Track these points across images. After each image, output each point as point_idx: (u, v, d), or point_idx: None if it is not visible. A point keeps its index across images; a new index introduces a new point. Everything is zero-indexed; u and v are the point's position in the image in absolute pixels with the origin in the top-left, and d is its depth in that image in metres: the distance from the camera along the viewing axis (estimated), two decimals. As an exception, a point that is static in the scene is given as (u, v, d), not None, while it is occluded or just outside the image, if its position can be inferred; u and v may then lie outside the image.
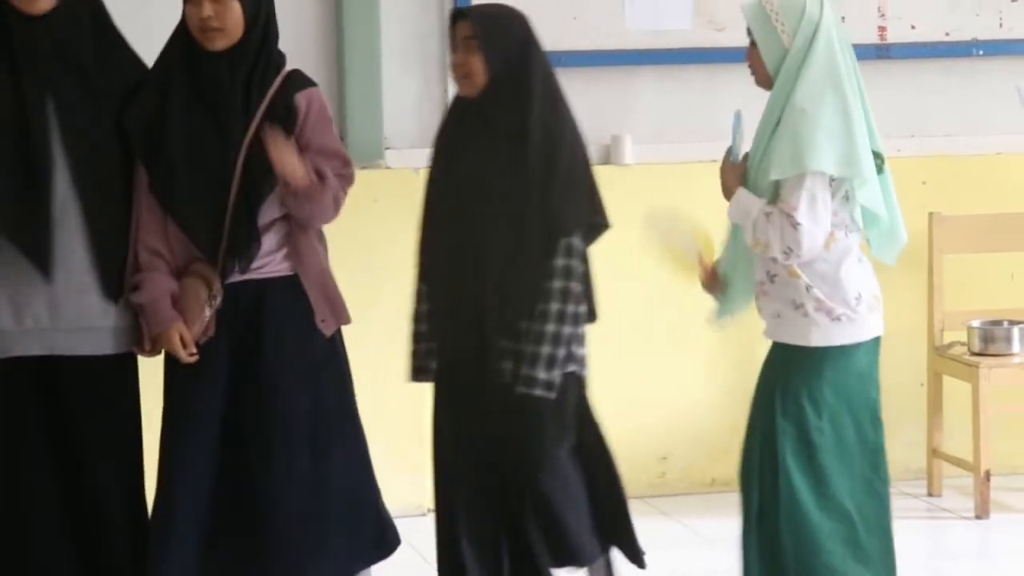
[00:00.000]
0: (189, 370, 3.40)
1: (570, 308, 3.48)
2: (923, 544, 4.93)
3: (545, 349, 3.44)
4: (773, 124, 3.41)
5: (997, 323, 5.21)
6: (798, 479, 3.49)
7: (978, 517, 5.06)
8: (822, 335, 3.46)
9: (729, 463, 5.18)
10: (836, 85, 3.39)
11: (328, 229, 4.75)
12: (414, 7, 5.24)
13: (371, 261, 5.01)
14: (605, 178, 5.21)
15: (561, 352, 3.45)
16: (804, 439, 3.50)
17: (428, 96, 5.25)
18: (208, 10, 3.36)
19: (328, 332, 3.52)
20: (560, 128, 3.53)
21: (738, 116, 3.54)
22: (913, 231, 5.13)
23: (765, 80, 3.52)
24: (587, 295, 3.59)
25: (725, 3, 5.35)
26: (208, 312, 3.40)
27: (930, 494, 5.35)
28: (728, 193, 3.51)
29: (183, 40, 3.45)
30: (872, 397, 3.62)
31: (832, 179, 3.37)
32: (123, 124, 3.39)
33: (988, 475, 5.04)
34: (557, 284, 3.45)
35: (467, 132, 3.59)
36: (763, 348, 5.31)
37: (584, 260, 3.56)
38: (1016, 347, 5.14)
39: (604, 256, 5.24)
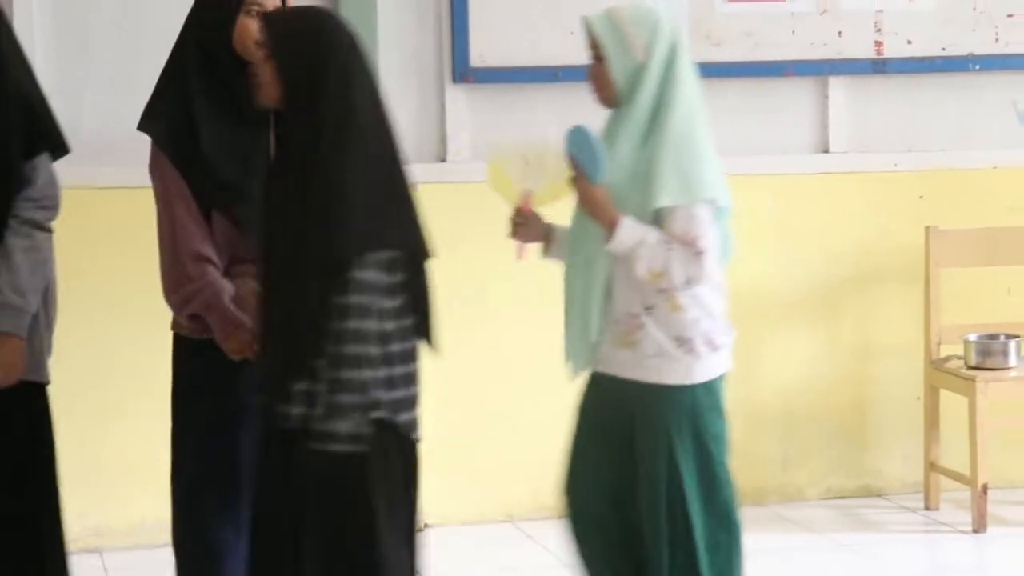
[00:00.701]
0: (234, 371, 3.38)
1: (351, 350, 3.06)
2: (921, 558, 4.97)
3: (330, 398, 3.10)
4: (638, 146, 3.25)
5: (994, 337, 5.22)
6: (712, 522, 3.38)
7: (975, 531, 5.06)
8: (705, 369, 3.34)
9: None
10: (703, 109, 3.31)
11: None
12: (411, 24, 5.26)
13: None
14: None
15: (348, 399, 3.08)
16: (706, 479, 3.37)
17: (426, 112, 5.27)
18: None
19: None
20: (351, 148, 3.14)
21: (583, 131, 3.27)
22: (910, 245, 5.35)
23: (611, 98, 3.32)
24: (400, 332, 3.16)
25: (723, 19, 5.39)
26: None
27: (927, 508, 5.35)
28: (606, 220, 3.22)
29: (201, 48, 3.49)
30: (725, 429, 3.48)
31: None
32: (155, 139, 3.42)
33: (985, 489, 5.04)
34: (337, 324, 3.07)
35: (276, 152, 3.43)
36: (760, 368, 5.44)
37: (386, 292, 3.13)
38: (1013, 361, 5.14)
39: None
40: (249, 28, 3.42)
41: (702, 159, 3.24)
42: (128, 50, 5.09)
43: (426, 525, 5.01)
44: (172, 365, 3.58)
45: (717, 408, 3.39)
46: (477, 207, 4.93)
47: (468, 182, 5.14)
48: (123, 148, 4.85)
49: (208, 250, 3.33)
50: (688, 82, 3.29)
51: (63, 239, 4.76)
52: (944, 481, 5.34)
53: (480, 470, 5.30)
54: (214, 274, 3.33)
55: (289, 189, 3.11)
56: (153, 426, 4.11)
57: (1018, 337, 5.20)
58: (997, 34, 5.61)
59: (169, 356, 3.80)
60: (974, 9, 5.57)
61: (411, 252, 3.19)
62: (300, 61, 3.14)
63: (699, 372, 3.32)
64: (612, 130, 3.28)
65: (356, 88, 3.14)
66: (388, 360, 3.13)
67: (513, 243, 3.47)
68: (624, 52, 3.28)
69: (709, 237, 3.21)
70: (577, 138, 3.26)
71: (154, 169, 3.44)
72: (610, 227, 3.21)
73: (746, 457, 5.26)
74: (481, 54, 5.26)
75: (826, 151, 5.61)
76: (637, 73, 3.26)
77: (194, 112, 3.41)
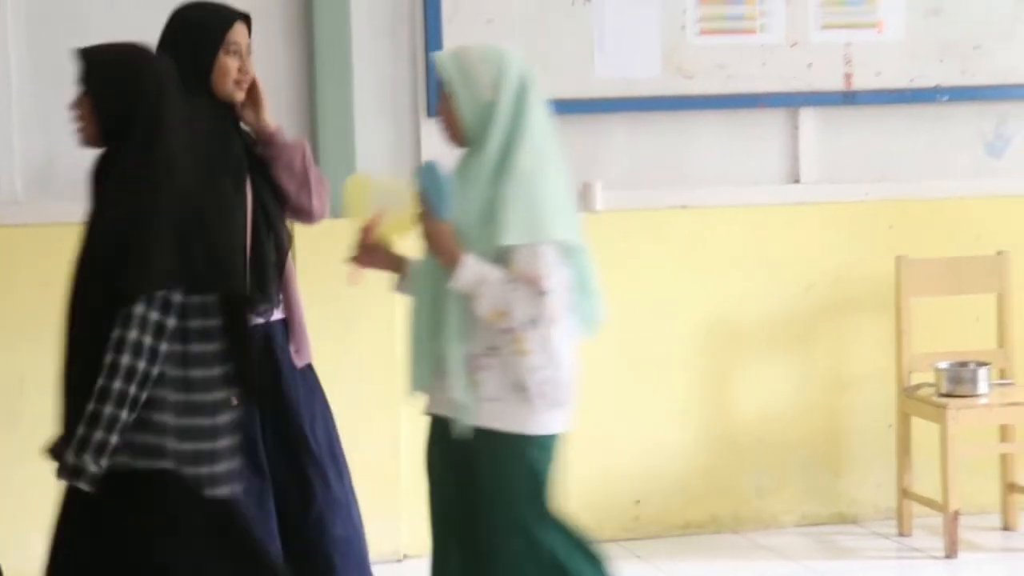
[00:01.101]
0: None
1: (116, 385, 2.93)
2: None
3: (81, 430, 2.94)
4: (487, 184, 3.20)
5: (964, 365, 5.23)
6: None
7: (948, 556, 5.08)
8: (540, 423, 3.25)
9: (701, 507, 5.43)
10: (555, 150, 3.29)
11: (303, 276, 4.74)
12: (385, 59, 5.27)
13: (343, 307, 4.98)
14: None
15: (100, 436, 2.92)
16: (523, 536, 3.31)
17: (402, 144, 5.29)
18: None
19: (301, 364, 3.67)
20: (156, 188, 3.04)
21: (432, 167, 3.24)
22: (881, 274, 5.36)
23: (460, 136, 3.28)
24: (206, 381, 3.05)
25: (694, 52, 5.42)
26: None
27: (900, 534, 5.36)
28: (448, 258, 3.17)
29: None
30: (543, 494, 3.33)
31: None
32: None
33: (957, 515, 5.05)
34: (108, 358, 2.93)
35: None
36: (734, 397, 5.44)
37: (180, 336, 3.01)
38: (982, 388, 5.15)
39: None
40: (229, 67, 3.49)
41: (550, 198, 3.20)
42: None
43: (405, 556, 5.11)
44: None
45: (543, 469, 3.28)
46: (452, 239, 5.15)
47: None
48: None
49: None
50: (538, 121, 3.26)
51: (38, 272, 4.85)
52: (916, 507, 5.34)
53: None
54: None
55: (95, 224, 3.07)
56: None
57: (987, 364, 5.22)
58: (964, 66, 5.65)
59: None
60: (940, 42, 5.62)
61: (225, 297, 3.08)
62: (113, 97, 3.08)
63: (533, 425, 3.22)
64: (463, 168, 3.25)
65: (167, 128, 3.07)
66: (189, 409, 3.00)
67: (348, 266, 3.42)
68: (472, 90, 3.24)
69: (554, 277, 3.14)
70: (427, 173, 3.23)
71: None
72: (452, 264, 3.15)
73: (721, 485, 5.48)
74: None
75: (797, 181, 5.62)
76: (485, 111, 3.23)
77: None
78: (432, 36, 5.20)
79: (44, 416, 4.31)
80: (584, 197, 5.35)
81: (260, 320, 3.57)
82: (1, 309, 4.91)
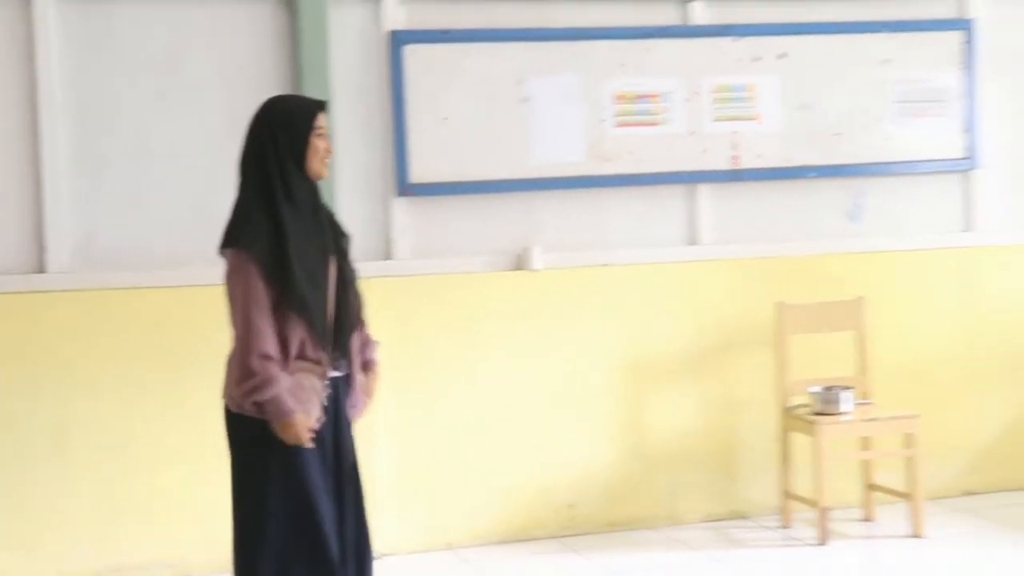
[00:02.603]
0: (308, 451, 3.36)
1: None
2: (778, 568, 4.94)
3: None
4: None
5: (831, 389, 5.29)
6: None
7: (820, 544, 5.15)
8: None
9: (623, 508, 5.52)
10: None
11: None
12: (360, 147, 5.25)
13: None
14: (519, 282, 5.44)
15: None
16: None
17: (375, 219, 5.30)
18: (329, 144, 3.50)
19: (353, 419, 3.60)
20: None
21: None
22: (764, 317, 5.52)
23: None
24: None
25: (611, 140, 5.47)
26: (323, 401, 3.41)
27: (783, 526, 5.45)
28: None
29: (279, 168, 3.37)
30: None
31: None
32: (255, 257, 3.30)
33: (827, 510, 5.15)
34: None
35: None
36: (648, 419, 5.57)
37: None
38: (847, 408, 5.24)
39: (522, 345, 5.25)
40: (318, 148, 3.42)
41: None
42: (138, 173, 5.07)
43: (382, 555, 5.02)
44: (241, 450, 3.43)
45: None
46: (417, 296, 5.29)
47: (411, 275, 5.28)
48: (133, 255, 5.06)
49: (273, 350, 3.31)
50: None
51: (82, 331, 4.95)
52: (795, 505, 5.43)
53: (425, 505, 5.29)
54: (275, 369, 3.31)
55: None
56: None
57: (850, 388, 5.31)
58: (827, 149, 5.75)
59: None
60: (808, 130, 5.73)
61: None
62: None
63: None
64: None
65: None
66: None
67: None
68: None
69: None
70: None
71: (236, 280, 3.34)
72: None
73: (640, 490, 5.55)
74: (419, 173, 5.30)
75: (696, 244, 5.68)
76: None
77: (285, 233, 3.32)
78: (399, 130, 5.27)
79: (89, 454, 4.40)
80: (525, 259, 5.41)
81: (336, 373, 3.47)
82: (50, 361, 4.92)
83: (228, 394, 3.42)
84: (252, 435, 3.36)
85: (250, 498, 3.40)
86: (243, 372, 3.31)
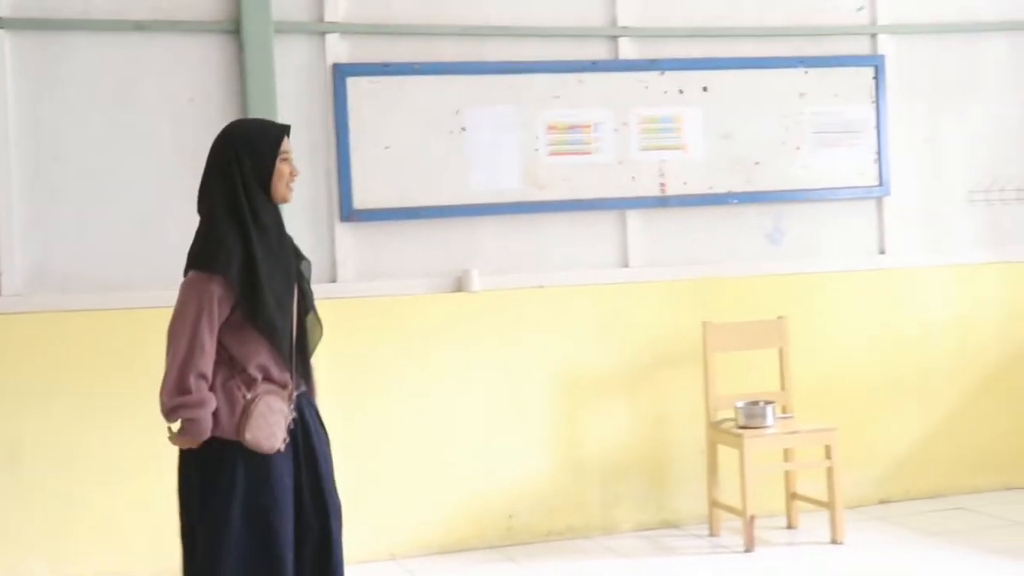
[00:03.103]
0: (275, 469, 3.28)
1: None
2: (707, 574, 4.98)
3: None
4: None
5: (755, 403, 5.39)
6: None
7: (747, 551, 5.22)
8: None
9: (559, 518, 5.59)
10: None
11: None
12: (307, 177, 5.22)
13: None
14: (458, 303, 5.51)
15: None
16: None
17: (320, 244, 5.31)
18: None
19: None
20: None
21: None
22: (691, 336, 5.60)
23: None
24: None
25: (546, 169, 5.57)
26: (290, 424, 3.34)
27: (711, 535, 5.52)
28: None
29: (245, 192, 3.27)
30: None
31: None
32: (226, 277, 3.20)
33: (753, 518, 5.23)
34: None
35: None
36: (583, 433, 5.62)
37: None
38: (770, 421, 5.34)
39: (463, 363, 5.35)
40: (284, 172, 3.33)
41: None
42: (90, 200, 5.08)
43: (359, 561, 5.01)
44: (196, 473, 3.28)
45: None
46: (361, 318, 5.34)
47: (354, 298, 5.34)
48: (84, 279, 5.09)
49: (210, 372, 3.23)
50: None
51: (36, 352, 4.98)
52: (723, 513, 5.52)
53: (369, 517, 5.27)
54: (208, 392, 3.22)
55: None
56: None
57: (773, 403, 5.42)
58: (748, 177, 5.86)
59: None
60: (730, 159, 5.84)
61: None
62: None
63: None
64: None
65: None
66: None
67: None
68: None
69: None
70: None
71: (190, 296, 3.24)
72: None
73: (575, 501, 5.61)
74: (362, 199, 5.36)
75: (626, 266, 5.75)
76: None
77: (254, 257, 3.24)
78: (343, 159, 5.34)
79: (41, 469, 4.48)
80: (464, 281, 5.46)
81: (302, 390, 3.42)
82: (4, 380, 4.92)
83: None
84: (219, 455, 3.26)
85: (210, 517, 3.26)
86: (178, 387, 3.22)
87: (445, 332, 5.47)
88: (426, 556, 5.34)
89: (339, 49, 5.37)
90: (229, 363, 3.29)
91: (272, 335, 3.28)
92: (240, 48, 5.22)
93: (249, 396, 3.26)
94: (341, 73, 5.34)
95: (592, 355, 5.66)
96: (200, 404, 3.22)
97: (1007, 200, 6.26)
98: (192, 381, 3.21)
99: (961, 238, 6.24)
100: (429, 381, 5.46)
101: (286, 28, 5.29)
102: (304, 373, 3.45)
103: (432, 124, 5.46)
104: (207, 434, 3.24)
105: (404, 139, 5.39)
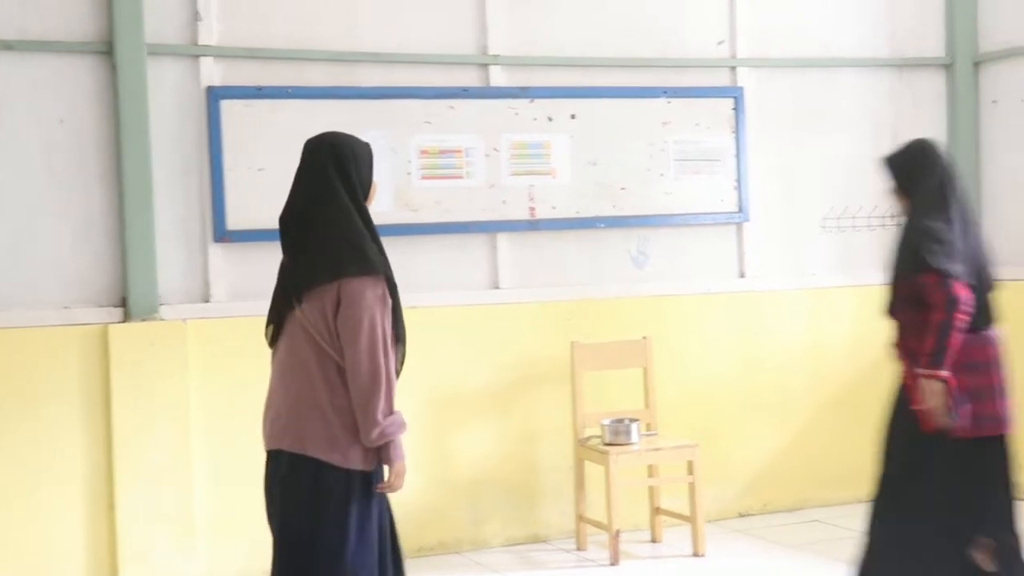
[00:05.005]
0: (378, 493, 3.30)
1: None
2: None
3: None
4: None
5: (621, 421, 5.50)
6: None
7: (612, 564, 5.31)
8: None
9: (430, 534, 5.52)
10: None
11: (118, 369, 4.74)
12: (180, 198, 5.31)
13: (150, 393, 5.02)
14: None
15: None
16: None
17: (192, 264, 5.35)
18: None
19: None
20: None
21: None
22: (559, 355, 5.71)
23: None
24: None
25: (418, 192, 5.61)
26: None
27: (579, 549, 5.61)
28: None
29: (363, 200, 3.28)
30: None
31: None
32: (390, 286, 3.19)
33: (618, 533, 5.34)
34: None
35: None
36: (453, 450, 5.61)
37: None
38: (635, 438, 5.45)
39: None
40: (375, 185, 3.34)
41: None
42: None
43: None
44: (335, 499, 3.21)
45: None
46: (234, 337, 5.30)
47: (226, 317, 5.32)
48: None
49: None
50: None
51: None
52: (589, 528, 5.62)
53: (245, 537, 5.21)
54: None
55: None
56: None
57: (637, 421, 5.55)
58: (614, 203, 5.98)
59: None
60: (597, 184, 5.96)
61: None
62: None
63: None
64: None
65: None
66: None
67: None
68: None
69: None
70: None
71: (374, 307, 3.16)
72: None
73: (445, 517, 5.66)
74: (235, 220, 5.37)
75: (497, 287, 5.83)
76: None
77: (388, 265, 3.22)
78: (216, 180, 5.34)
79: None
80: None
81: None
82: None
83: (327, 447, 3.17)
84: (347, 489, 3.20)
85: (330, 552, 3.19)
86: (389, 407, 3.15)
87: (317, 352, 5.47)
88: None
89: (213, 72, 5.39)
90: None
91: (404, 342, 3.27)
92: (113, 69, 5.21)
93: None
94: (215, 96, 5.36)
95: (463, 374, 5.73)
96: (403, 424, 3.17)
97: (858, 227, 6.50)
98: (394, 401, 3.14)
99: (815, 262, 6.46)
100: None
101: (160, 51, 5.29)
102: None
103: (305, 147, 5.52)
104: (403, 456, 3.19)
105: (277, 162, 5.33)
